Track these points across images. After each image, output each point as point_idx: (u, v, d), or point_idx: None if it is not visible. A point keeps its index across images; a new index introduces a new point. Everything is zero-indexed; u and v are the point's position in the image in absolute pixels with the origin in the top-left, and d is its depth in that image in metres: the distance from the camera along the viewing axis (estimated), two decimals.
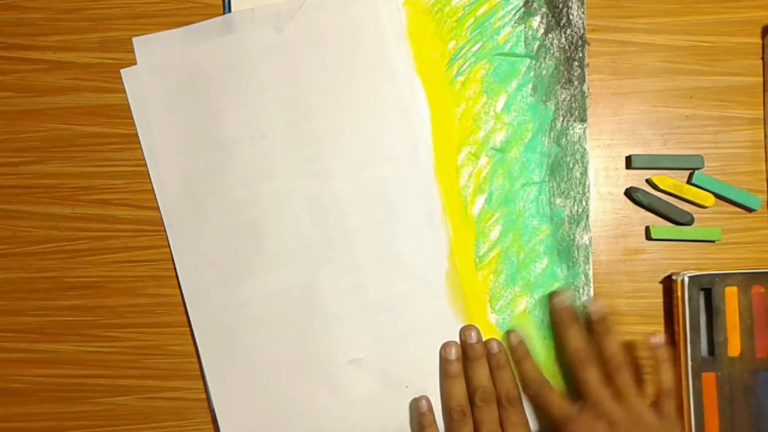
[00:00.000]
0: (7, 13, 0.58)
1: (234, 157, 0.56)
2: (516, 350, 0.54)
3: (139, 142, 0.57)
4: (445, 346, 0.54)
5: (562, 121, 0.56)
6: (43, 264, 0.57)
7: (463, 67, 0.56)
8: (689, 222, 0.55)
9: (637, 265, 0.56)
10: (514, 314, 0.55)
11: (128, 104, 0.57)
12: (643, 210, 0.56)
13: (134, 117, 0.57)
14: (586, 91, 0.56)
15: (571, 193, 0.56)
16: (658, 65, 0.56)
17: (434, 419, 0.53)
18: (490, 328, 0.55)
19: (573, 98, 0.56)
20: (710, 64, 0.56)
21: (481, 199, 0.56)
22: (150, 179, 0.57)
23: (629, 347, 0.54)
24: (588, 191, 0.56)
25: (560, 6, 0.56)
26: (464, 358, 0.54)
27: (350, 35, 0.56)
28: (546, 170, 0.56)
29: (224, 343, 0.56)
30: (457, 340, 0.55)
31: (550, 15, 0.56)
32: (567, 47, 0.56)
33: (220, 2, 0.57)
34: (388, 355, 0.55)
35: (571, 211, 0.56)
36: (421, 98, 0.56)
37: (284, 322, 0.55)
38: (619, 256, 0.56)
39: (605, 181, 0.56)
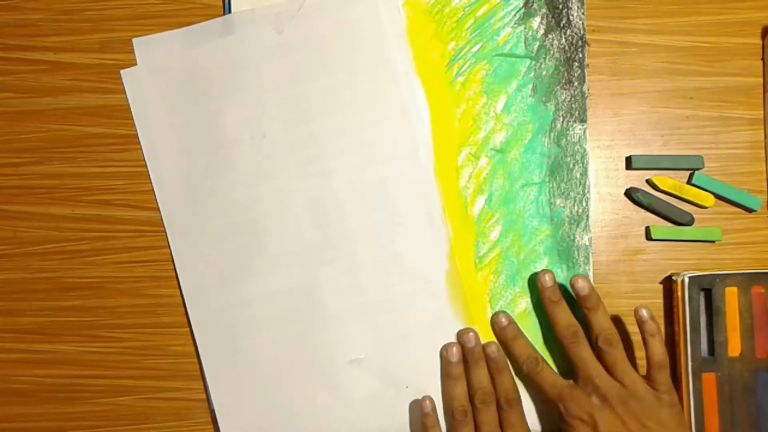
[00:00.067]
0: (8, 13, 0.58)
1: (234, 157, 0.56)
2: (507, 330, 0.54)
3: (139, 142, 0.57)
4: (446, 348, 0.54)
5: (562, 121, 0.56)
6: (44, 264, 0.57)
7: (463, 68, 0.56)
8: (689, 222, 0.55)
9: (637, 266, 0.56)
10: (514, 314, 0.55)
11: (128, 105, 0.57)
12: (643, 210, 0.56)
13: (134, 117, 0.57)
14: (586, 91, 0.56)
15: (571, 194, 0.56)
16: (658, 66, 0.56)
17: (437, 420, 0.53)
18: (490, 328, 0.55)
19: (573, 99, 0.56)
20: (710, 65, 0.56)
21: (481, 200, 0.56)
22: (150, 180, 0.57)
23: (618, 322, 0.54)
24: (588, 192, 0.56)
25: (560, 7, 0.56)
26: (464, 361, 0.54)
27: (350, 36, 0.56)
28: (546, 171, 0.56)
29: (224, 343, 0.56)
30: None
31: (550, 16, 0.56)
32: (567, 48, 0.56)
33: (220, 3, 0.57)
34: (388, 355, 0.55)
35: (571, 212, 0.56)
36: (421, 99, 0.56)
37: (284, 322, 0.55)
38: (619, 256, 0.56)
39: (605, 182, 0.56)
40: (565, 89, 0.56)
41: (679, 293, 0.53)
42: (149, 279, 0.57)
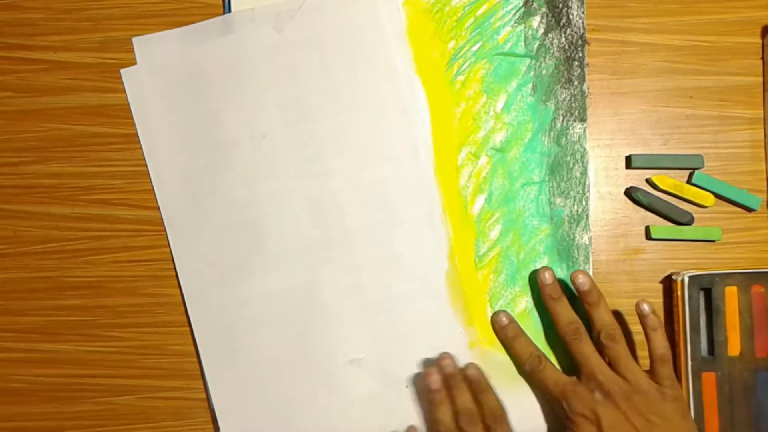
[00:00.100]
0: (7, 13, 0.58)
1: (234, 157, 0.56)
2: (507, 329, 0.54)
3: (139, 142, 0.57)
4: (427, 375, 0.52)
5: (562, 120, 0.56)
6: (43, 264, 0.57)
7: (463, 67, 0.56)
8: (689, 222, 0.55)
9: (637, 265, 0.56)
10: (514, 314, 0.55)
11: (128, 104, 0.57)
12: (643, 210, 0.56)
13: (134, 117, 0.57)
14: (586, 90, 0.56)
15: (571, 193, 0.56)
16: (658, 65, 0.56)
17: (446, 396, 0.52)
18: (491, 328, 0.55)
19: (573, 98, 0.56)
20: (710, 64, 0.56)
21: (481, 199, 0.56)
22: (150, 179, 0.57)
23: (620, 317, 0.54)
24: (588, 191, 0.56)
25: (560, 6, 0.56)
26: (447, 386, 0.53)
27: (350, 35, 0.56)
28: (546, 170, 0.56)
29: (224, 343, 0.56)
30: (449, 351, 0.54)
31: (550, 15, 0.56)
32: (567, 47, 0.56)
33: (220, 2, 0.57)
34: (388, 355, 0.55)
35: (571, 211, 0.56)
36: (421, 98, 0.56)
37: (284, 322, 0.55)
38: (619, 255, 0.56)
39: (605, 181, 0.56)
40: (565, 88, 0.56)
41: (679, 293, 0.53)
42: (149, 278, 0.57)
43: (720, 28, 0.56)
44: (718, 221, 0.56)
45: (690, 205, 0.56)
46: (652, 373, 0.50)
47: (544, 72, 0.56)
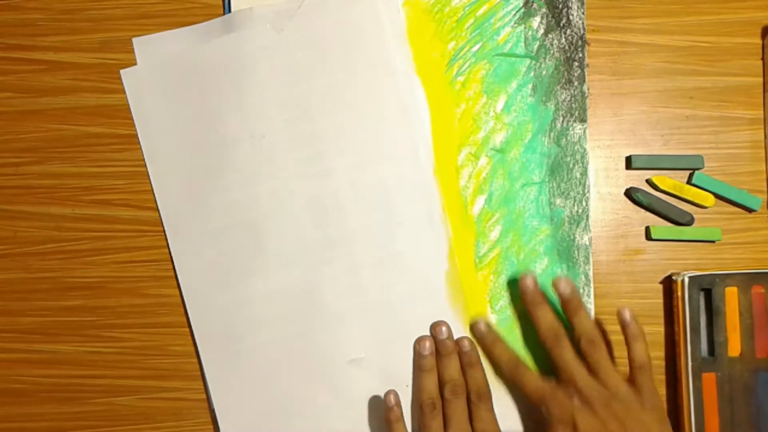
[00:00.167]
0: (7, 13, 0.58)
1: (234, 157, 0.56)
2: (486, 336, 0.54)
3: (139, 142, 0.57)
4: (419, 341, 0.54)
5: (562, 121, 0.56)
6: (44, 264, 0.57)
7: (463, 68, 0.56)
8: (689, 222, 0.55)
9: (637, 266, 0.56)
10: (514, 314, 0.55)
11: (128, 104, 0.57)
12: (643, 210, 0.56)
13: (134, 117, 0.57)
14: (586, 91, 0.56)
15: (571, 194, 0.56)
16: (658, 65, 0.56)
17: (401, 414, 0.53)
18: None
19: (573, 98, 0.56)
20: (710, 65, 0.56)
21: (481, 200, 0.56)
22: (150, 179, 0.57)
23: (600, 324, 0.54)
24: (588, 191, 0.56)
25: (560, 6, 0.56)
26: (436, 354, 0.54)
27: (350, 35, 0.56)
28: (546, 170, 0.56)
29: (224, 343, 0.56)
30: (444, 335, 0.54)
31: (550, 15, 0.56)
32: (567, 47, 0.56)
33: (220, 2, 0.57)
34: (388, 355, 0.55)
35: (571, 212, 0.56)
36: (421, 98, 0.56)
37: (284, 322, 0.55)
38: (619, 256, 0.56)
39: (605, 182, 0.56)
40: (565, 89, 0.56)
41: (679, 293, 0.53)
42: (149, 279, 0.57)
43: (720, 28, 0.56)
44: (718, 222, 0.56)
45: (690, 205, 0.56)
46: (631, 380, 0.50)
47: (544, 72, 0.56)
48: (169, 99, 0.57)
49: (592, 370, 0.50)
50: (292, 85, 0.56)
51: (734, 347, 0.53)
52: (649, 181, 0.56)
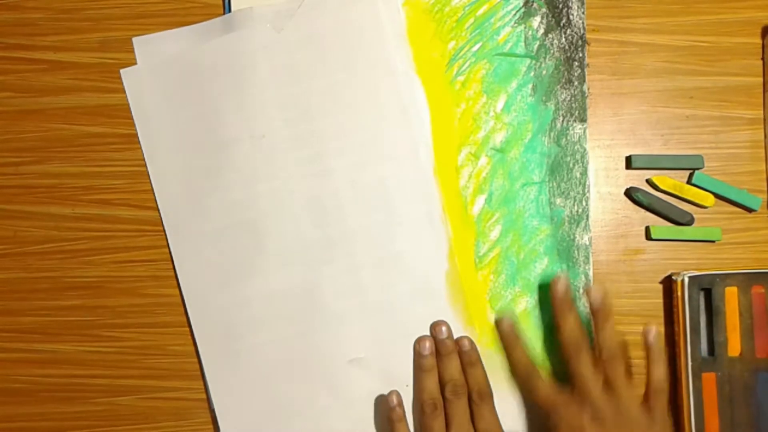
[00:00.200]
0: (7, 13, 0.58)
1: (234, 157, 0.56)
2: (507, 336, 0.54)
3: (139, 142, 0.57)
4: (419, 341, 0.54)
5: (562, 121, 0.56)
6: (44, 264, 0.57)
7: (463, 68, 0.56)
8: (689, 222, 0.55)
9: (637, 265, 0.56)
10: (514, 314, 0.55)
11: (128, 104, 0.57)
12: (643, 210, 0.56)
13: (134, 117, 0.57)
14: (586, 91, 0.56)
15: (571, 193, 0.56)
16: (658, 65, 0.56)
17: (404, 414, 0.53)
18: (490, 328, 0.55)
19: (573, 98, 0.56)
20: (710, 64, 0.56)
21: (481, 199, 0.56)
22: (150, 179, 0.57)
23: (625, 342, 0.53)
24: (588, 191, 0.56)
25: (560, 6, 0.56)
26: (436, 354, 0.54)
27: (350, 35, 0.56)
28: (546, 170, 0.56)
29: (224, 343, 0.56)
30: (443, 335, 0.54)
31: (550, 15, 0.56)
32: (567, 47, 0.56)
33: (220, 2, 0.57)
34: (388, 355, 0.55)
35: (571, 211, 0.56)
36: (421, 98, 0.56)
37: (284, 322, 0.55)
38: (619, 256, 0.56)
39: (605, 181, 0.56)
40: (565, 89, 0.56)
41: (679, 293, 0.53)
42: (149, 278, 0.57)
43: (720, 28, 0.56)
44: (718, 221, 0.56)
45: (690, 205, 0.56)
46: (645, 401, 0.50)
47: (544, 72, 0.56)
48: (169, 99, 0.57)
49: (608, 383, 0.50)
50: (292, 85, 0.56)
51: (734, 347, 0.53)
52: (649, 181, 0.56)
